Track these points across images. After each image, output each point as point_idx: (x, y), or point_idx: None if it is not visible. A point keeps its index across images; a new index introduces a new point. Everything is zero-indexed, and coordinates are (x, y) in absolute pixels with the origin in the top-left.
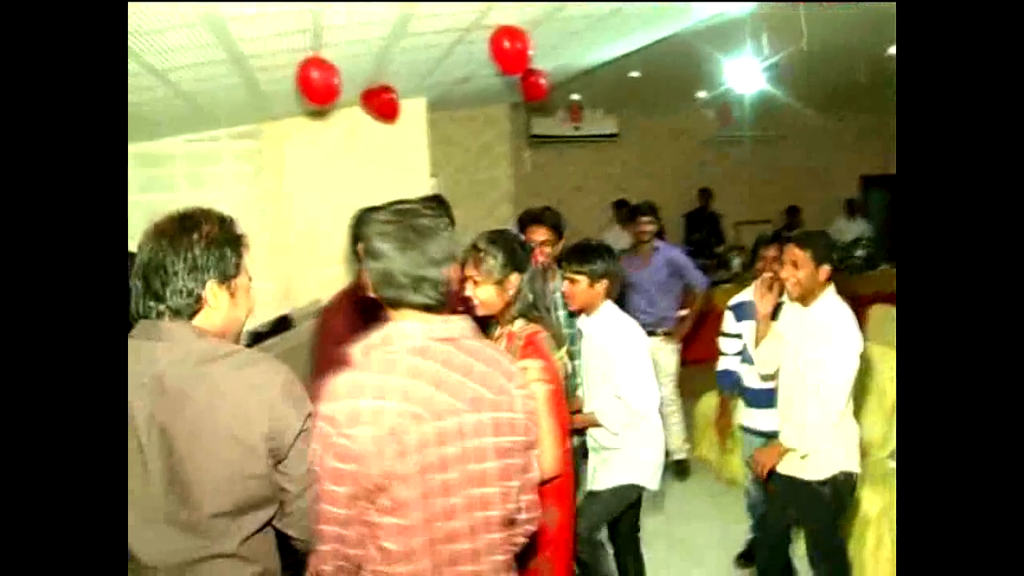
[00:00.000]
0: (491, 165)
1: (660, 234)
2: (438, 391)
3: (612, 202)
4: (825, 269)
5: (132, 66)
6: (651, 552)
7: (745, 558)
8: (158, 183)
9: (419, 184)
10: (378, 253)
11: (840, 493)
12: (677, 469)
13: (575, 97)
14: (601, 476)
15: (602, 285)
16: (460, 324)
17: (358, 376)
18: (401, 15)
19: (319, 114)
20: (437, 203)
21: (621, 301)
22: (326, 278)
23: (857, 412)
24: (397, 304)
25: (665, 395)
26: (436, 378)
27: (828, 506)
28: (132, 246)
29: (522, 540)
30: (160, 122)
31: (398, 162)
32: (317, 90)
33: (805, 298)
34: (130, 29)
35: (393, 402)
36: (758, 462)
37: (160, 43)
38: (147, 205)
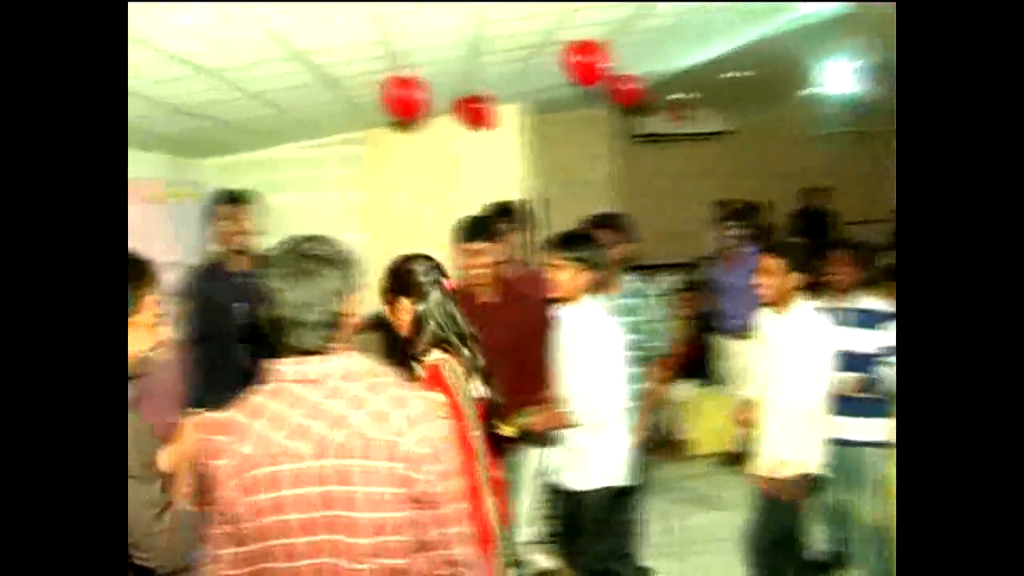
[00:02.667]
0: (592, 166)
1: (768, 233)
2: (277, 434)
3: (715, 201)
4: (797, 277)
5: (233, 93)
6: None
7: (818, 568)
8: (271, 186)
9: (514, 187)
10: (266, 297)
11: (805, 491)
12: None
13: (679, 96)
14: (569, 476)
15: (585, 276)
16: (335, 364)
17: (227, 413)
18: (472, 38)
19: (416, 122)
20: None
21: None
22: None
23: None
24: (278, 346)
25: None
26: (279, 420)
27: (794, 503)
28: None
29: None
30: (271, 132)
31: (494, 166)
32: (401, 106)
33: (778, 305)
34: (225, 64)
35: (236, 441)
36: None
37: (256, 72)
38: None
